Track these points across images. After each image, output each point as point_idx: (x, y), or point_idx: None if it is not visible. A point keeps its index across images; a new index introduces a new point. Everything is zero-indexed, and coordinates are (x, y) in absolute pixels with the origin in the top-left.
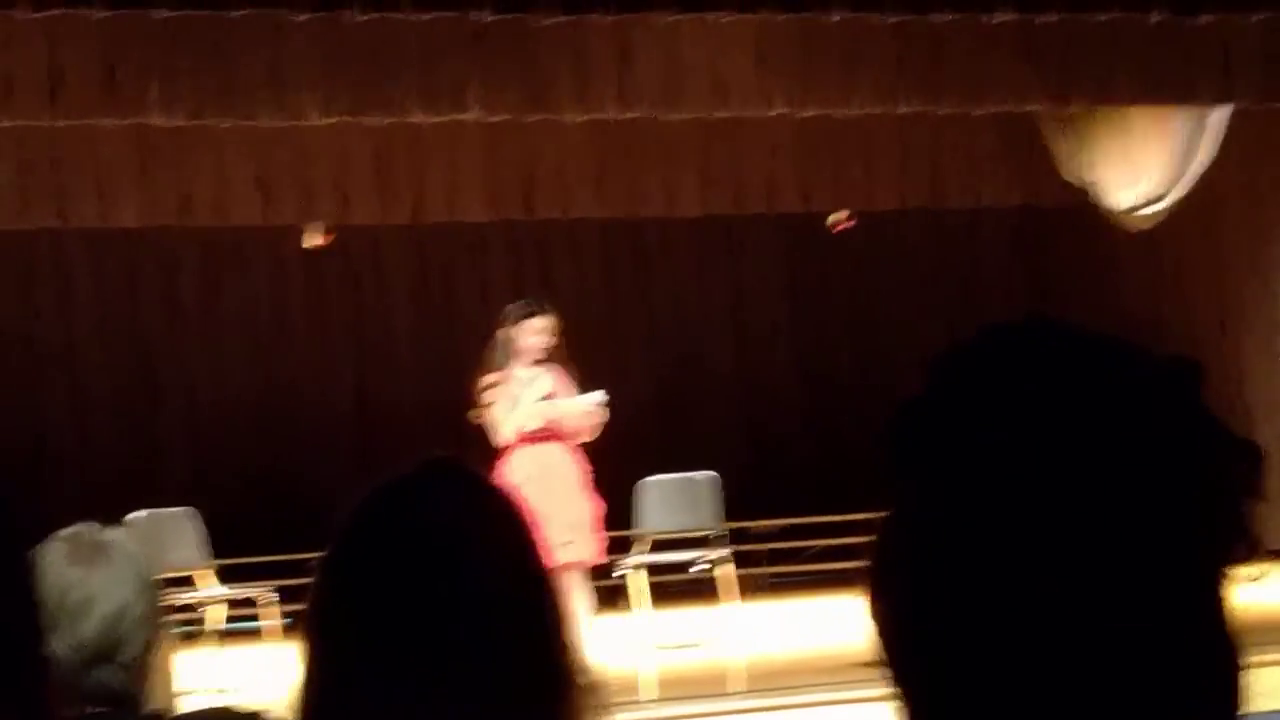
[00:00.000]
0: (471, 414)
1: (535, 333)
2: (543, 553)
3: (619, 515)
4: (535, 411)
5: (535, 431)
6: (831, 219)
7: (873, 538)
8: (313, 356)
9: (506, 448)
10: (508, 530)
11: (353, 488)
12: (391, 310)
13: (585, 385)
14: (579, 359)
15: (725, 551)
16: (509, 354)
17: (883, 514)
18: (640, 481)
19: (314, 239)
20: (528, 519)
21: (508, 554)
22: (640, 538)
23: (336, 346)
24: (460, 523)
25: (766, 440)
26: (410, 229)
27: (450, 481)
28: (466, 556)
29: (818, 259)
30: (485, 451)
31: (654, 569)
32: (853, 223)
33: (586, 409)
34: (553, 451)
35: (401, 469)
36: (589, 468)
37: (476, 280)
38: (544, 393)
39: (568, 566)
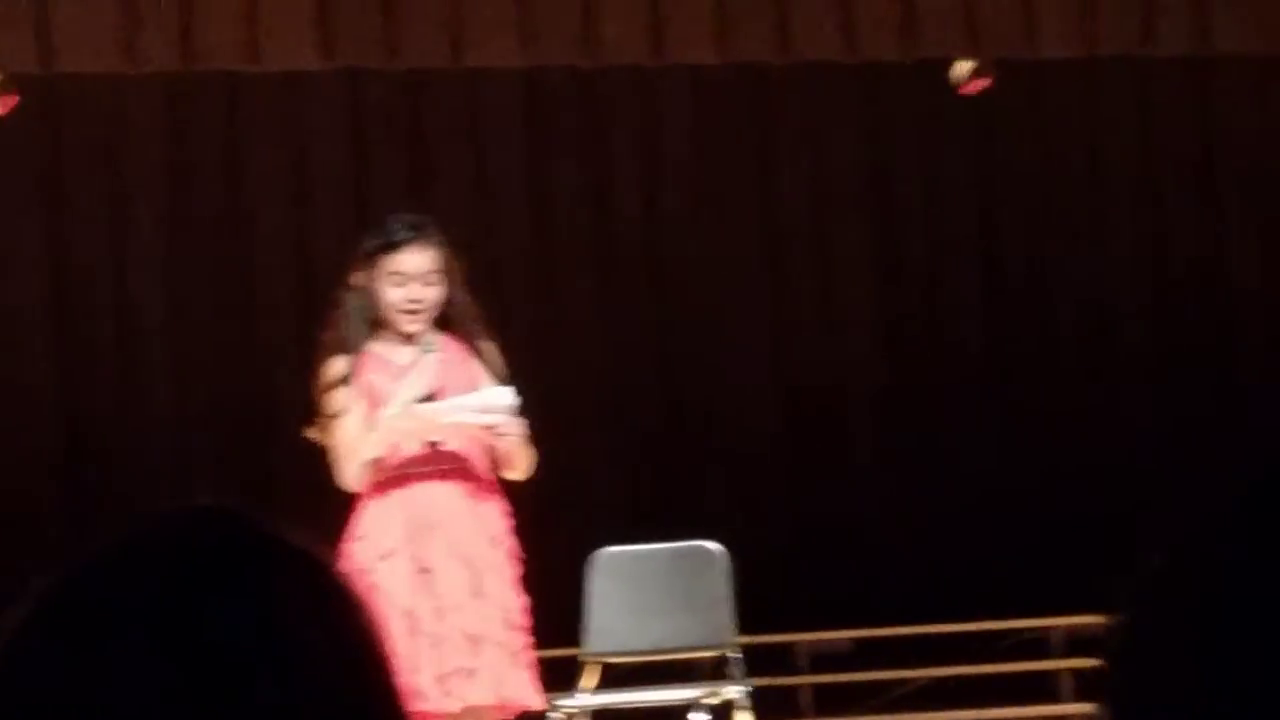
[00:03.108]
0: (310, 432)
1: (401, 280)
2: (395, 695)
3: (570, 618)
4: (384, 431)
5: (407, 463)
6: (960, 74)
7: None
8: None
9: (360, 496)
10: (322, 642)
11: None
12: None
13: (525, 372)
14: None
15: (743, 689)
16: (367, 320)
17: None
18: (593, 554)
19: None
20: (368, 625)
21: (325, 687)
22: (592, 662)
23: None
24: (235, 627)
25: (818, 488)
26: None
27: (222, 553)
28: (245, 688)
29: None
30: (341, 504)
31: (615, 719)
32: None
33: (474, 419)
34: (437, 501)
35: (136, 525)
36: (511, 531)
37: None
38: (418, 394)
39: (462, 718)
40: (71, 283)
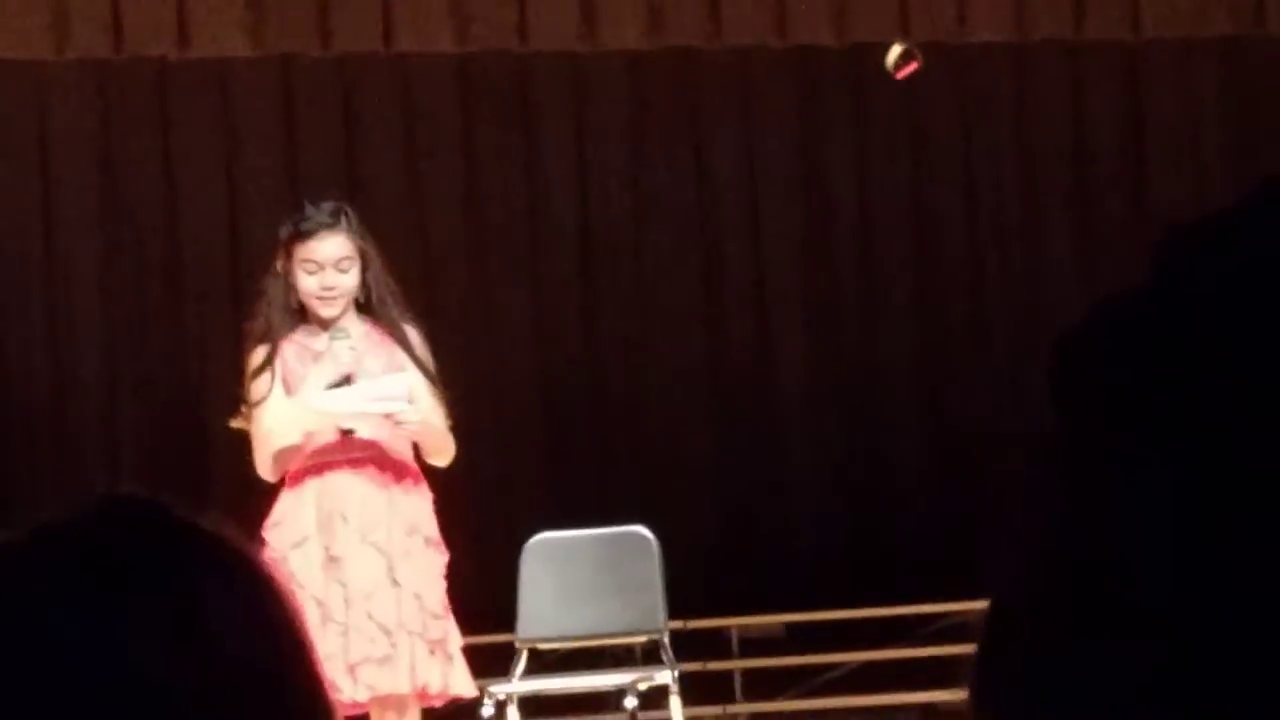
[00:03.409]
0: (234, 421)
1: (314, 267)
2: (318, 683)
3: (502, 604)
4: (284, 421)
5: (321, 450)
6: (892, 58)
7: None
8: None
9: (279, 485)
10: (242, 632)
11: None
12: None
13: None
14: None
15: (670, 675)
16: (287, 307)
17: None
18: (528, 543)
19: None
20: (288, 613)
21: (240, 675)
22: (525, 648)
23: None
24: (154, 615)
25: (748, 472)
26: None
27: (126, 538)
28: (164, 678)
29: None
30: (269, 493)
31: (548, 705)
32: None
33: (370, 407)
34: (349, 489)
35: (50, 516)
36: (432, 520)
37: None
38: (330, 380)
39: (378, 707)
40: (0, 271)
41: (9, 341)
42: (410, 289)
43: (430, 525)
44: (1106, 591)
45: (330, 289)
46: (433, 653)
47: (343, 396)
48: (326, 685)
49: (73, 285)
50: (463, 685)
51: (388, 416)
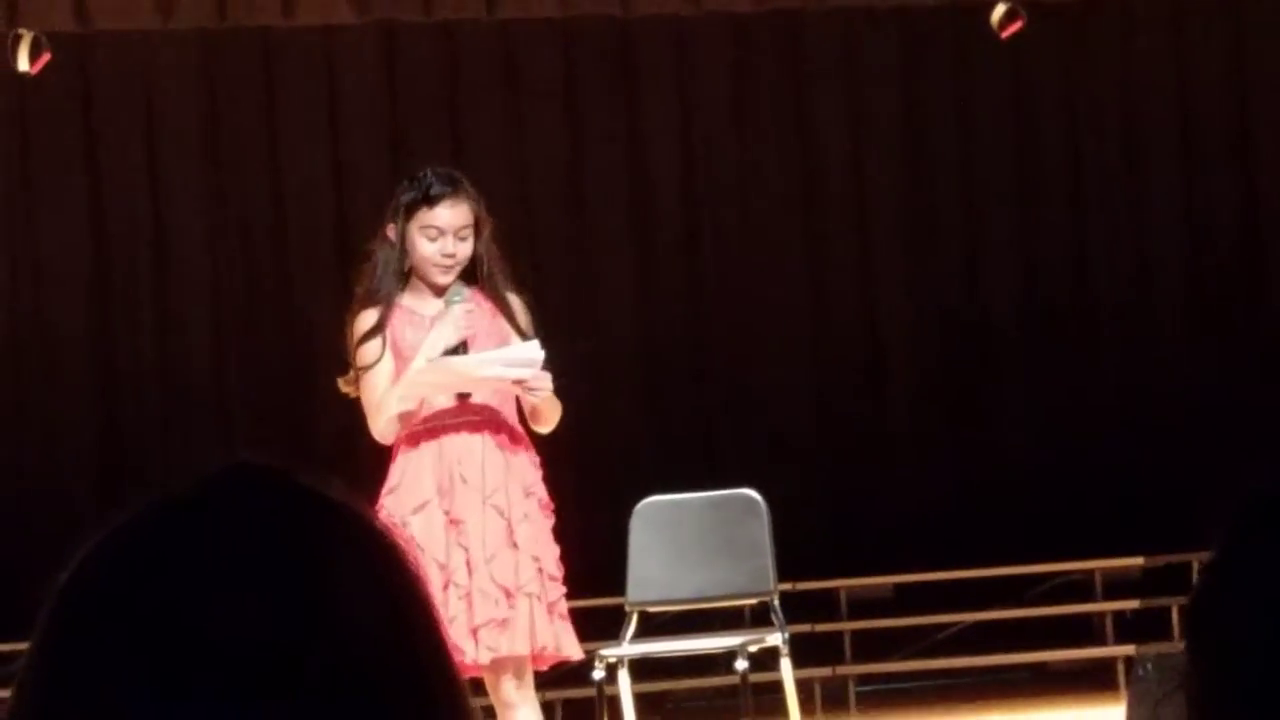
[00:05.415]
0: (342, 384)
1: (435, 234)
2: (445, 648)
3: (611, 570)
4: (414, 384)
5: (437, 415)
6: (997, 17)
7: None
8: None
9: (393, 448)
10: (371, 600)
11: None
12: None
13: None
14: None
15: (780, 637)
16: (398, 273)
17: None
18: (637, 506)
19: None
20: (413, 578)
21: (370, 643)
22: (635, 611)
23: None
24: (283, 584)
25: (857, 435)
26: None
27: (258, 510)
28: (297, 643)
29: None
30: (376, 456)
31: (659, 667)
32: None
33: (503, 373)
34: (468, 452)
35: (175, 487)
36: (543, 481)
37: None
38: (448, 344)
39: (496, 669)
40: (107, 239)
41: (119, 311)
42: (513, 255)
43: (541, 489)
44: None
45: (450, 256)
46: (550, 615)
47: (476, 361)
48: (452, 652)
49: (181, 254)
50: (572, 648)
51: (519, 382)
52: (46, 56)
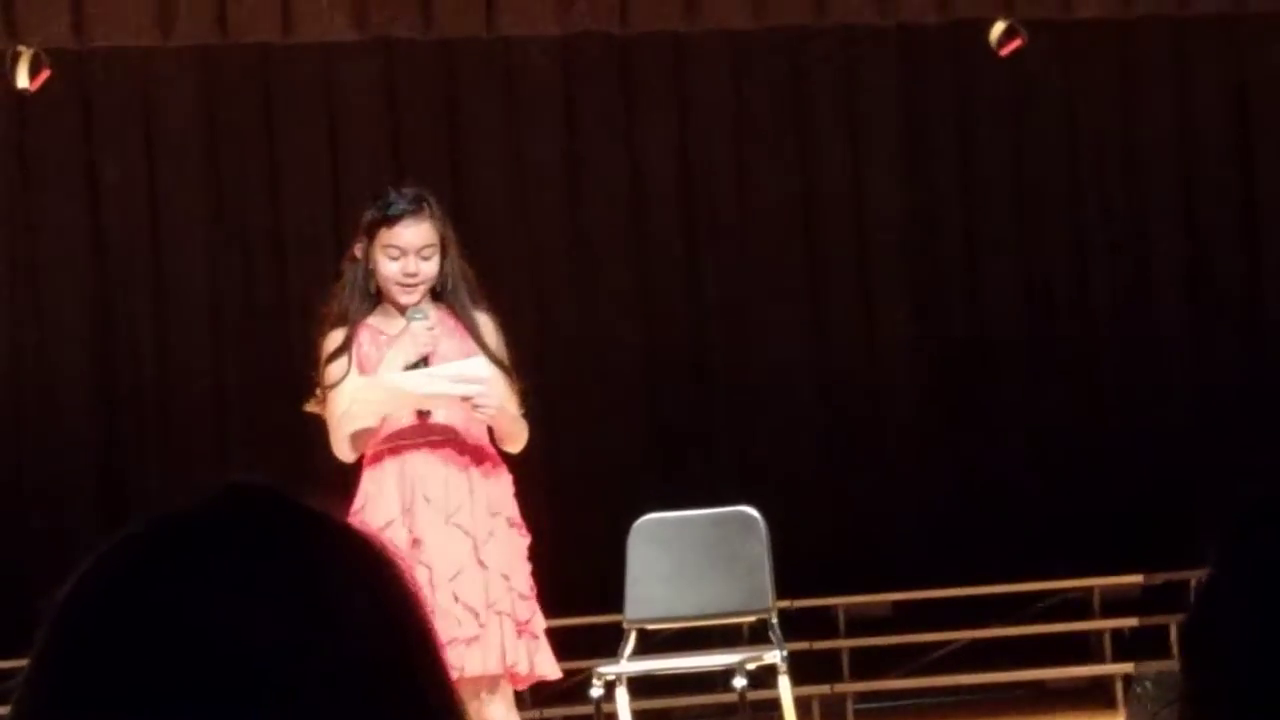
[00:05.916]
0: (309, 405)
1: (397, 253)
2: (439, 654)
3: (604, 586)
4: (359, 401)
5: (398, 433)
6: (996, 35)
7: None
8: None
9: (358, 465)
10: (366, 608)
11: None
12: None
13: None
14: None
15: (778, 655)
16: (365, 292)
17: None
18: (636, 524)
19: None
20: (407, 588)
21: (366, 651)
22: (633, 628)
23: None
24: (281, 603)
25: (855, 452)
26: None
27: (254, 524)
28: (295, 660)
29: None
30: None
31: (657, 685)
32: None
33: (447, 389)
34: (429, 471)
35: (168, 510)
36: (513, 502)
37: None
38: (407, 360)
39: (467, 689)
40: (107, 256)
41: (118, 322)
42: (512, 270)
43: (511, 507)
44: None
45: (412, 275)
46: (520, 633)
47: (422, 376)
48: (447, 663)
49: (180, 269)
50: (548, 667)
51: (465, 399)
52: (46, 73)
